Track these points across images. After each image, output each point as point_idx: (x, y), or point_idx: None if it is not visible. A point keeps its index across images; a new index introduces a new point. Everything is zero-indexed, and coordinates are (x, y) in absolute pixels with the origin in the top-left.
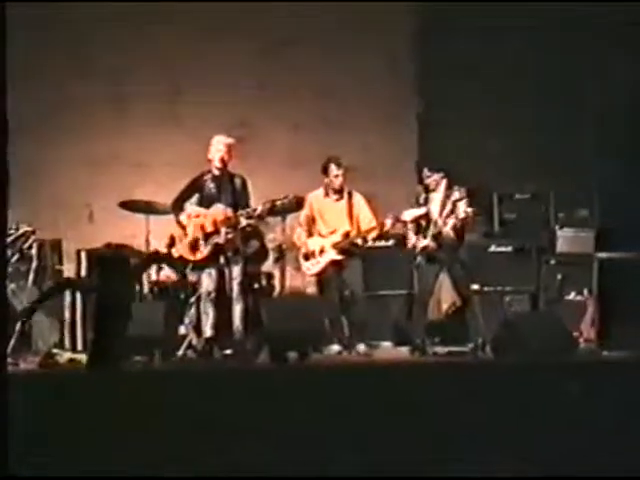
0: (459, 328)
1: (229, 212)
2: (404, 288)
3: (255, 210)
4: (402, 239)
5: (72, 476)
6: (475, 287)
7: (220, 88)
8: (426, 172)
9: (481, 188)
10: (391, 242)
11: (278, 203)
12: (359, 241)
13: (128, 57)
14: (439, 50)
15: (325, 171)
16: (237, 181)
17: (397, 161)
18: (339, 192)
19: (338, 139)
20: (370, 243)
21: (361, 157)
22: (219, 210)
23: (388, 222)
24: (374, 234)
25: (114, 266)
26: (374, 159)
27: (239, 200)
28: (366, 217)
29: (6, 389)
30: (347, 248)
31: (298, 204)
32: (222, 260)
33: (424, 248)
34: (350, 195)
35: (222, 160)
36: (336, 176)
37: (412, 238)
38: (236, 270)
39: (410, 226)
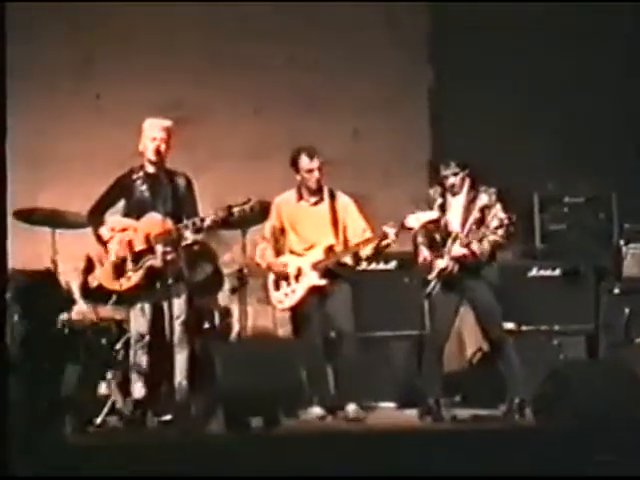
0: (488, 383)
1: (168, 223)
2: (411, 327)
3: (204, 220)
4: (409, 258)
5: (72, 476)
6: (510, 326)
7: (151, 57)
8: (446, 168)
9: (515, 190)
10: (393, 263)
11: (236, 210)
12: (348, 260)
13: None
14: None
15: (295, 165)
16: (179, 181)
17: (399, 153)
18: (316, 193)
19: (318, 124)
20: (364, 264)
21: (350, 147)
22: (154, 221)
23: (390, 232)
24: (369, 249)
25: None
26: (367, 150)
27: (182, 207)
28: (357, 226)
29: (6, 389)
30: (332, 269)
31: (263, 211)
32: (159, 290)
33: (441, 271)
34: (333, 196)
35: (158, 152)
36: (309, 171)
37: (424, 255)
38: (178, 304)
39: (421, 239)
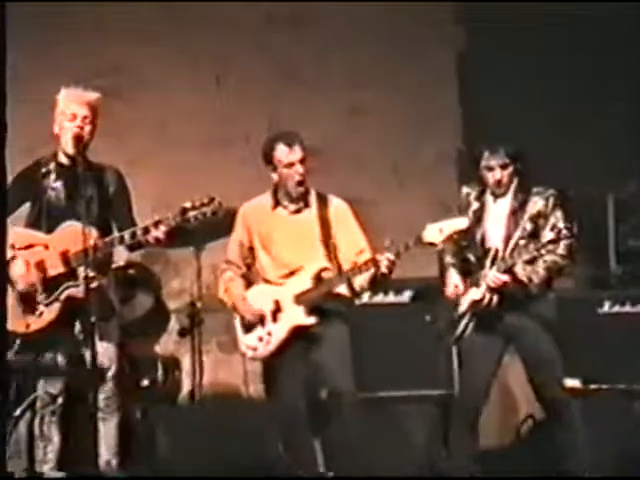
0: (541, 462)
1: (93, 236)
2: (434, 385)
3: (146, 232)
4: (432, 286)
5: (72, 476)
6: (574, 383)
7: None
8: (493, 156)
9: (580, 192)
10: (408, 293)
11: (191, 215)
12: (344, 289)
13: None
14: None
15: (269, 157)
16: (107, 178)
17: (414, 140)
18: (299, 197)
19: (302, 101)
20: (365, 295)
21: (345, 133)
22: (73, 233)
23: (382, 260)
24: (363, 279)
25: None
26: (369, 137)
27: (111, 214)
28: (353, 243)
29: (6, 389)
30: (323, 304)
31: (229, 221)
32: (79, 331)
33: (475, 304)
34: (322, 201)
35: (78, 137)
36: (289, 165)
37: (454, 282)
38: (106, 351)
39: (450, 259)
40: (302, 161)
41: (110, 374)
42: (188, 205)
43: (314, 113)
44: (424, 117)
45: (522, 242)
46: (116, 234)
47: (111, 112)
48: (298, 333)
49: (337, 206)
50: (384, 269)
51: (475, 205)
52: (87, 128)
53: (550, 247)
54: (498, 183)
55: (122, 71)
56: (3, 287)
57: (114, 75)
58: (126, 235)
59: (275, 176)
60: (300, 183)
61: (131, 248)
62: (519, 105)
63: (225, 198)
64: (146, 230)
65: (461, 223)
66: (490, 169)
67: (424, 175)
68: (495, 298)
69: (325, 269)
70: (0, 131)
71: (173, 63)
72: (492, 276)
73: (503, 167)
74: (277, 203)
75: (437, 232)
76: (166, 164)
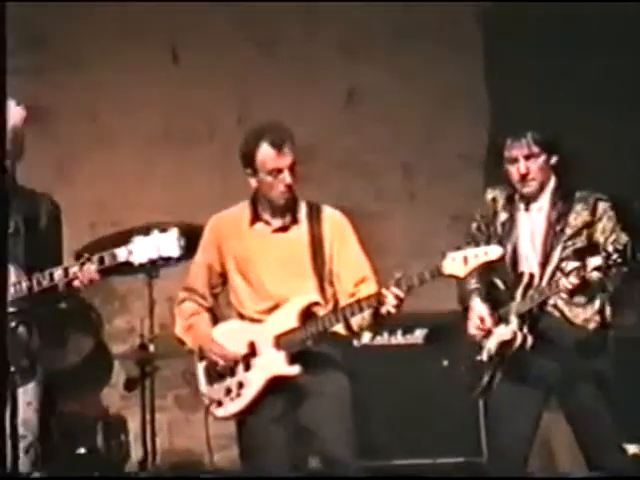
0: None
1: (18, 274)
2: (456, 450)
3: (86, 262)
4: (450, 322)
5: (72, 476)
6: (637, 450)
7: None
8: (517, 142)
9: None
10: (421, 332)
11: (137, 243)
12: (340, 327)
13: None
14: None
15: (248, 159)
16: (41, 207)
17: (429, 133)
18: (286, 209)
19: (290, 84)
20: (366, 336)
21: (343, 123)
22: None
23: (389, 296)
24: (361, 317)
25: None
26: (374, 130)
27: (40, 249)
28: (353, 270)
29: (6, 389)
30: (313, 348)
31: (189, 242)
32: None
33: (504, 346)
34: (316, 215)
35: None
36: (274, 171)
37: (480, 314)
38: (28, 408)
39: (473, 284)
40: (291, 167)
41: (28, 440)
42: (133, 227)
43: (301, 101)
44: (440, 106)
45: (564, 265)
46: (42, 273)
47: (33, 98)
48: (278, 385)
49: (333, 221)
50: (391, 308)
51: (503, 216)
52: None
53: (605, 270)
54: (523, 178)
55: (45, 46)
56: (3, 289)
57: (35, 51)
58: (54, 274)
59: (254, 182)
60: (288, 192)
61: (67, 285)
62: (555, 95)
63: (186, 212)
64: (87, 262)
65: (492, 253)
66: (513, 161)
67: (441, 181)
68: (530, 338)
69: (316, 304)
70: (0, 131)
71: (113, 34)
72: (530, 305)
73: (529, 158)
74: (256, 217)
75: (461, 263)
76: (104, 166)
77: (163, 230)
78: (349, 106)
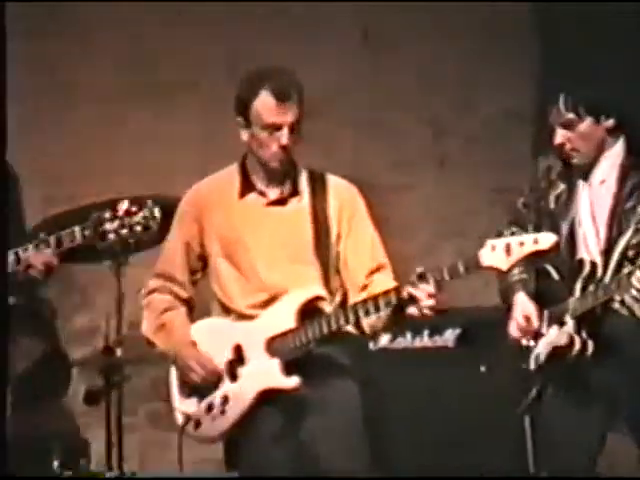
0: None
1: None
2: (497, 475)
3: (41, 243)
4: (489, 320)
5: (71, 476)
6: None
7: None
8: (552, 115)
9: None
10: (452, 332)
11: (107, 230)
12: (350, 327)
13: None
14: None
15: (242, 107)
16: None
17: (464, 93)
18: (284, 177)
19: (277, 19)
20: (384, 339)
21: (351, 77)
22: None
23: (419, 294)
24: (376, 316)
25: None
26: (389, 82)
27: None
28: (369, 253)
29: (5, 389)
30: (311, 352)
31: (168, 220)
32: None
33: (558, 351)
34: (320, 186)
35: None
36: (273, 126)
37: (526, 313)
38: None
39: (517, 274)
40: (293, 126)
41: None
42: (106, 215)
43: (304, 45)
44: (480, 49)
45: (631, 253)
46: None
47: None
48: (271, 400)
49: (341, 194)
50: (414, 310)
51: (561, 187)
52: None
53: None
54: (560, 150)
55: None
56: (4, 285)
57: None
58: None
59: (245, 135)
60: (285, 157)
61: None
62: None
63: (161, 183)
64: (42, 243)
65: (544, 241)
66: (552, 130)
67: (479, 144)
68: (591, 343)
69: (319, 298)
70: (0, 131)
71: None
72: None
73: (566, 126)
74: (248, 186)
75: (502, 253)
76: (57, 125)
77: (134, 204)
78: (363, 50)
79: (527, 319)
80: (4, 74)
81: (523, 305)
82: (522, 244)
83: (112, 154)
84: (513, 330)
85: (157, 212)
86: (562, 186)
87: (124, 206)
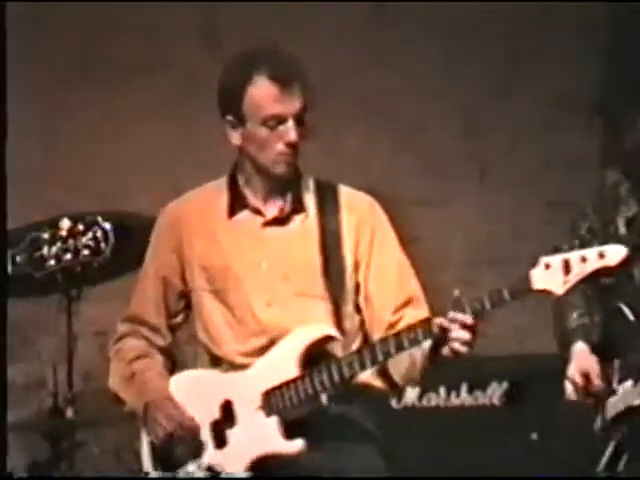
0: None
1: None
2: None
3: None
4: (542, 369)
5: (72, 476)
6: None
7: None
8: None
9: None
10: (497, 387)
11: (44, 240)
12: (373, 378)
13: None
14: None
15: (233, 102)
16: None
17: (500, 64)
18: (285, 188)
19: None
20: (412, 392)
21: (363, 60)
22: None
23: (454, 328)
24: (415, 342)
25: None
26: (411, 71)
27: None
28: (393, 282)
29: (5, 389)
30: (320, 411)
31: (127, 244)
32: None
33: (632, 413)
34: (331, 199)
35: None
36: (274, 119)
37: (582, 369)
38: None
39: (575, 318)
40: (299, 116)
41: None
42: (44, 236)
43: (303, 20)
44: (527, 23)
45: None
46: None
47: None
48: (268, 468)
49: (359, 209)
50: (458, 345)
51: (634, 209)
52: None
53: None
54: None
55: None
56: (4, 284)
57: None
58: None
59: (236, 138)
60: (289, 156)
61: None
62: None
63: (110, 192)
64: None
65: (612, 255)
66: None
67: (529, 145)
68: None
69: (328, 338)
70: (0, 131)
71: None
72: None
73: None
74: (239, 202)
75: (559, 271)
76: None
77: (79, 222)
78: (373, 22)
79: (585, 376)
80: (4, 73)
81: (581, 359)
82: (584, 260)
83: (52, 156)
84: (569, 390)
85: (110, 231)
86: (635, 207)
87: (66, 225)
